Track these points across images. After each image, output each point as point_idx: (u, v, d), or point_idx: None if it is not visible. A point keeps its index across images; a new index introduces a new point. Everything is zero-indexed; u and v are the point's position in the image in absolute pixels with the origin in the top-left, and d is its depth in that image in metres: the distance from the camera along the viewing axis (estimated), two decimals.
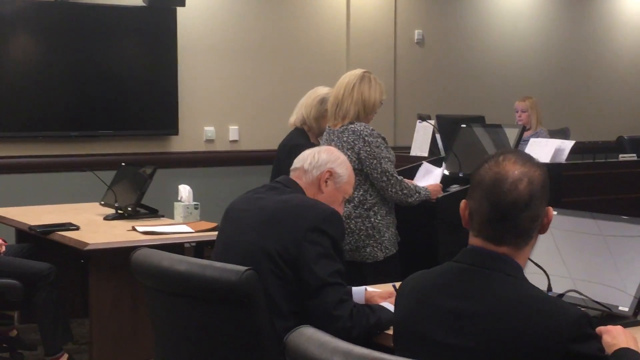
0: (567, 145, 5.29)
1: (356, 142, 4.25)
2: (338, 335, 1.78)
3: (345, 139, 4.28)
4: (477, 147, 5.18)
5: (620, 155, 6.29)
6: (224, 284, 2.43)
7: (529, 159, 2.03)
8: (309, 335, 1.80)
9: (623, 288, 2.63)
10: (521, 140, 5.22)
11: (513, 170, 1.98)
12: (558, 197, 4.69)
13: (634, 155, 6.21)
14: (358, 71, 4.40)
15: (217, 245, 2.96)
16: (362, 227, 4.26)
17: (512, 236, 1.98)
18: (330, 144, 4.32)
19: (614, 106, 9.93)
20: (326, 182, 3.00)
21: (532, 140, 5.61)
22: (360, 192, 4.27)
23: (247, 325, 2.46)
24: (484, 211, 1.98)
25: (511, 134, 5.13)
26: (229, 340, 2.50)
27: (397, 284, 2.19)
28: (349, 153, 4.24)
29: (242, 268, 2.44)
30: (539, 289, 1.98)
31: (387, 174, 4.25)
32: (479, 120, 6.14)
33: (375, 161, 4.24)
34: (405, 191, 4.31)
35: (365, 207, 4.27)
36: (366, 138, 4.24)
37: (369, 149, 4.24)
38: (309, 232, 2.72)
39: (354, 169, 4.15)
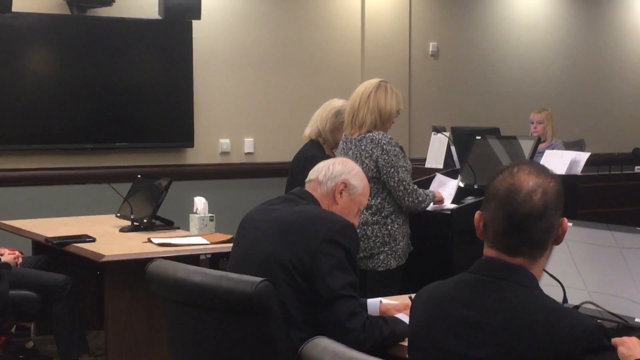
0: (583, 157, 5.28)
1: (374, 150, 4.26)
2: (351, 348, 1.78)
3: (363, 147, 4.29)
4: (492, 159, 5.17)
5: (636, 167, 6.28)
6: (239, 295, 2.44)
7: (544, 170, 2.02)
8: (324, 346, 1.80)
9: (639, 300, 2.62)
10: (536, 152, 5.21)
11: (527, 181, 1.98)
12: (574, 209, 4.68)
13: None
14: (374, 80, 4.42)
15: (233, 257, 2.96)
16: (378, 234, 4.27)
17: (527, 247, 1.97)
18: (347, 153, 4.33)
19: (630, 118, 9.89)
20: (341, 193, 3.00)
21: (547, 152, 5.60)
22: (378, 200, 4.29)
23: (262, 336, 2.46)
24: (499, 222, 1.98)
25: (526, 146, 5.12)
26: (244, 351, 2.50)
27: (414, 295, 2.19)
28: (367, 161, 4.25)
29: (257, 279, 2.45)
30: (554, 300, 1.97)
31: (404, 183, 4.26)
32: (494, 132, 6.13)
33: (392, 170, 4.25)
34: (420, 198, 4.34)
35: (383, 214, 4.29)
36: (384, 146, 4.25)
37: (386, 157, 4.25)
38: (323, 244, 2.72)
39: (372, 177, 4.19)
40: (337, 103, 5.08)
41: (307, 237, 2.73)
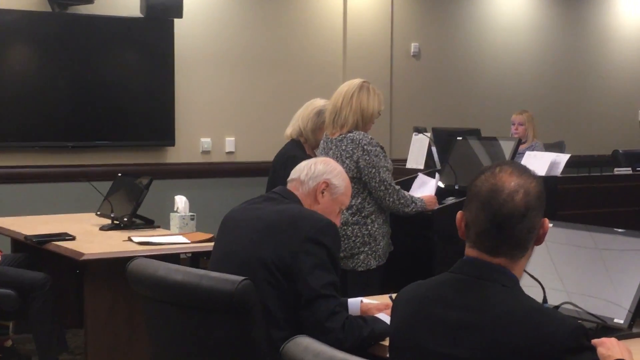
0: (563, 158, 5.30)
1: (355, 151, 4.27)
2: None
3: (344, 147, 4.30)
4: (472, 160, 5.19)
5: (616, 169, 6.31)
6: (220, 293, 2.43)
7: (525, 171, 2.03)
8: (305, 345, 1.81)
9: (618, 301, 2.64)
10: (517, 153, 5.23)
11: (509, 181, 1.99)
12: (553, 210, 4.70)
13: (629, 169, 6.22)
14: (357, 80, 4.42)
15: (214, 255, 2.96)
16: (358, 234, 4.28)
17: (508, 247, 1.98)
18: (327, 153, 4.34)
19: (609, 120, 9.96)
20: (322, 193, 3.00)
21: (527, 153, 5.62)
22: (359, 200, 4.29)
23: (243, 335, 2.46)
24: (480, 222, 1.99)
25: (507, 147, 5.14)
26: (225, 350, 2.50)
27: (394, 295, 2.19)
28: (347, 161, 4.25)
29: (238, 278, 2.44)
30: (534, 300, 1.98)
31: (385, 183, 4.27)
32: (475, 133, 6.15)
33: (373, 170, 4.26)
34: (402, 201, 4.33)
35: (363, 214, 4.29)
36: (365, 147, 4.26)
37: (367, 158, 4.25)
38: (305, 243, 2.72)
39: (353, 178, 4.19)
40: (318, 103, 5.08)
41: (288, 236, 2.73)
